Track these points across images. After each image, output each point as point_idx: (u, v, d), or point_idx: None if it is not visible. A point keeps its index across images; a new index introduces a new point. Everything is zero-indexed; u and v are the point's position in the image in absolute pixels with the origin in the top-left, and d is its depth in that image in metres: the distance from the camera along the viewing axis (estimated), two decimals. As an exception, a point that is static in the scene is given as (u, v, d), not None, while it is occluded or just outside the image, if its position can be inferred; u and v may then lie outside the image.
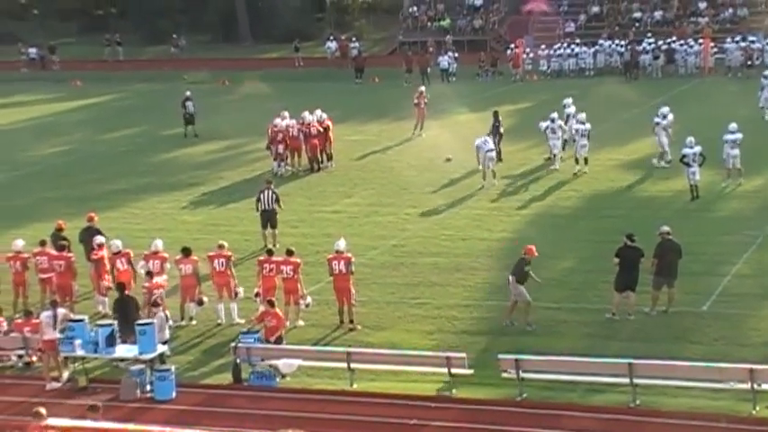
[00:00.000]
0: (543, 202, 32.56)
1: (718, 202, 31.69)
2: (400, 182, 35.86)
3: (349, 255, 23.24)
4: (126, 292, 22.16)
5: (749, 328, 22.09)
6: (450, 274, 26.02)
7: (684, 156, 31.98)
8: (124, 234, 28.11)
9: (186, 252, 23.83)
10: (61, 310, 21.02)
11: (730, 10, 67.35)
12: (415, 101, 43.85)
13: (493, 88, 57.78)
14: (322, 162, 38.13)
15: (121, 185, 37.32)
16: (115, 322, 20.72)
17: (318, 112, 38.53)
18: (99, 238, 25.18)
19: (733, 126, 33.33)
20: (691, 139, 32.23)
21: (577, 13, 70.76)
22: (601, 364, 19.17)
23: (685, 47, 60.44)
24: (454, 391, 19.48)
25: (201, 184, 36.88)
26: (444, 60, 61.75)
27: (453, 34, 70.87)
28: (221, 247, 24.03)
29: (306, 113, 38.26)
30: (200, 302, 23.56)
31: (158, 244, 24.19)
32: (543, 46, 63.70)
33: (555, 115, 36.58)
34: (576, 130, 35.44)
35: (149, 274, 22.96)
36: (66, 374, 20.80)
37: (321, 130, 37.78)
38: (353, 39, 71.06)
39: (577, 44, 63.29)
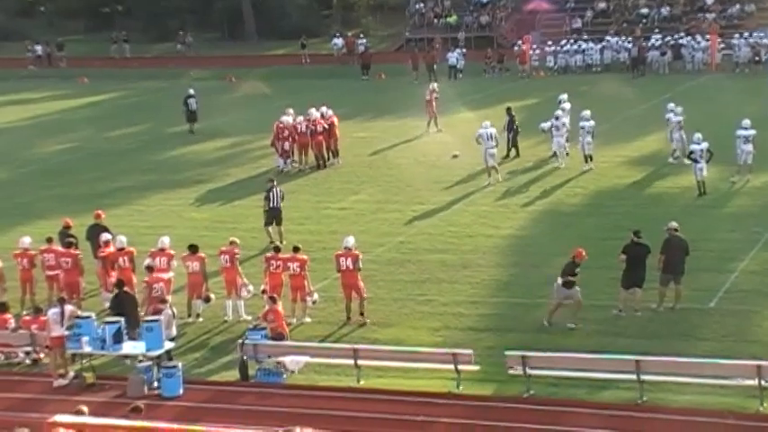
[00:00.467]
0: (550, 199, 32.54)
1: (725, 199, 31.64)
2: (407, 179, 35.84)
3: (357, 252, 23.25)
4: (125, 288, 22.16)
5: (756, 324, 22.07)
6: (457, 271, 26.02)
7: (692, 152, 31.95)
8: (131, 231, 28.15)
9: (193, 249, 23.86)
10: (68, 307, 21.05)
11: (737, 6, 67.19)
12: (428, 98, 43.86)
13: (500, 85, 57.75)
14: (328, 159, 38.13)
15: (128, 183, 37.35)
16: (122, 319, 20.72)
17: (324, 108, 38.56)
18: (105, 236, 25.22)
19: (746, 122, 33.24)
20: (698, 135, 32.19)
21: (584, 10, 70.64)
22: (608, 361, 19.16)
23: (693, 43, 60.35)
24: (461, 387, 19.47)
25: (208, 182, 36.90)
26: (453, 57, 61.69)
27: (459, 31, 70.81)
28: (232, 243, 24.09)
29: (312, 110, 38.28)
30: (207, 299, 23.60)
31: (165, 241, 24.22)
32: (550, 42, 63.63)
33: (559, 113, 36.55)
34: (582, 128, 35.39)
35: (149, 268, 23.04)
36: (72, 372, 20.83)
37: (326, 126, 37.79)
38: (361, 35, 70.99)
39: (584, 40, 63.22)
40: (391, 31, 78.71)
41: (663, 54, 60.01)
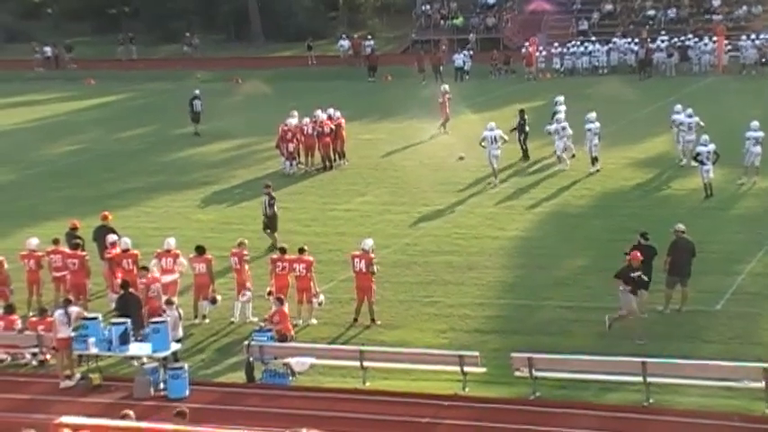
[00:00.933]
0: (556, 201, 32.52)
1: (731, 201, 31.60)
2: (413, 180, 35.85)
3: (372, 255, 23.21)
4: (130, 290, 22.19)
5: (763, 327, 22.03)
6: (463, 273, 26.01)
7: (698, 154, 31.92)
8: (138, 232, 28.21)
9: (200, 250, 23.88)
10: (74, 309, 21.05)
11: (744, 8, 67.14)
12: (440, 100, 43.93)
13: (506, 87, 57.75)
14: (334, 160, 38.15)
15: (134, 184, 37.40)
16: (128, 320, 20.74)
17: (331, 110, 38.59)
18: (112, 237, 25.26)
19: (755, 124, 33.18)
20: (705, 137, 32.18)
21: (591, 11, 70.64)
22: (614, 363, 19.14)
23: (700, 44, 60.31)
24: (467, 389, 19.46)
25: (214, 183, 36.94)
26: (459, 58, 61.67)
27: (466, 32, 70.83)
28: (240, 245, 24.13)
29: (318, 111, 38.31)
30: (214, 301, 23.61)
31: (171, 242, 24.24)
32: (556, 44, 63.61)
33: (561, 116, 36.54)
34: (589, 129, 35.36)
35: (145, 269, 23.10)
36: (78, 373, 20.85)
37: (333, 128, 37.81)
38: (369, 37, 71.02)
39: (591, 42, 63.19)
40: (397, 33, 78.76)
41: (669, 56, 59.98)
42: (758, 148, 32.79)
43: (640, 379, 18.60)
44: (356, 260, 23.08)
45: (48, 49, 76.30)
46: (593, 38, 64.33)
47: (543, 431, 17.95)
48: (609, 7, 70.64)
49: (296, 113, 38.40)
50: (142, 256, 24.61)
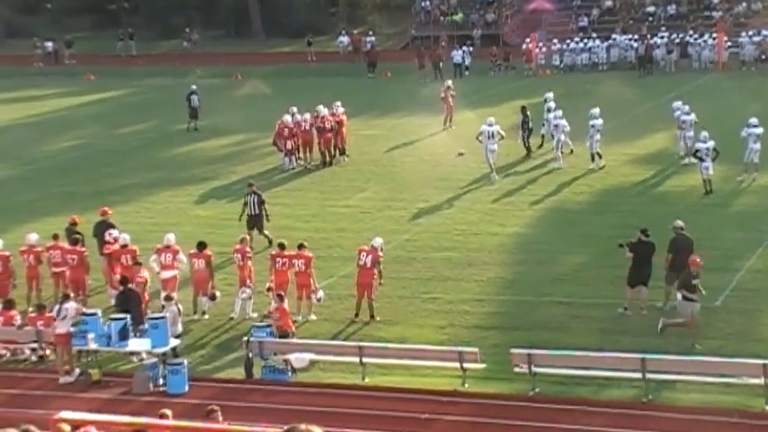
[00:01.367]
0: (556, 198, 32.52)
1: (731, 197, 31.61)
2: (413, 176, 35.84)
3: (380, 253, 23.18)
4: (129, 285, 22.20)
5: (762, 323, 22.07)
6: (463, 269, 26.01)
7: (698, 150, 31.90)
8: (137, 228, 28.20)
9: (201, 247, 23.89)
10: (72, 304, 21.07)
11: (744, 4, 67.08)
12: (443, 95, 43.97)
13: (505, 83, 57.70)
14: (334, 156, 38.12)
15: (134, 180, 37.39)
16: (127, 315, 20.75)
17: (338, 103, 38.65)
18: (112, 233, 25.25)
19: (754, 120, 33.14)
20: (704, 133, 32.15)
21: (590, 8, 70.56)
22: (613, 359, 19.16)
23: (700, 41, 60.28)
24: (466, 385, 19.47)
25: (214, 179, 36.92)
26: (458, 55, 61.60)
27: (466, 29, 70.78)
28: (243, 241, 24.14)
29: (320, 107, 38.30)
30: (213, 297, 23.62)
31: (170, 238, 24.25)
32: (556, 41, 63.56)
33: (559, 113, 36.52)
34: (593, 126, 35.29)
35: (138, 263, 23.20)
36: (77, 369, 20.86)
37: (335, 124, 37.81)
38: (370, 33, 70.92)
39: (591, 38, 63.14)
40: (397, 29, 78.67)
41: (669, 52, 59.93)
42: (757, 145, 32.77)
43: (640, 375, 18.62)
44: (363, 254, 23.08)
45: (49, 45, 76.21)
46: (593, 34, 64.27)
47: (543, 427, 17.97)
48: (609, 3, 70.56)
49: (294, 110, 38.36)
50: (141, 252, 24.61)
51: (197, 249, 23.84)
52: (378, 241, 23.38)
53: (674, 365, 18.82)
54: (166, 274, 23.55)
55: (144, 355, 20.88)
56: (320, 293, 23.28)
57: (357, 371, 20.16)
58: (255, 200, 28.19)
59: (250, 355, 20.52)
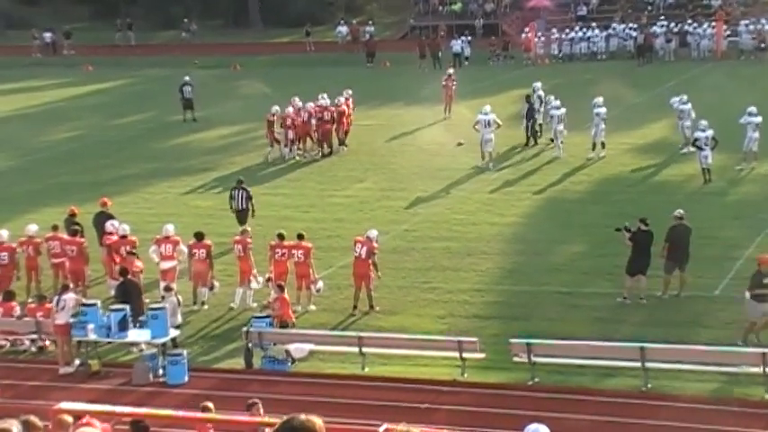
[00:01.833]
0: (554, 187, 32.51)
1: (730, 186, 31.60)
2: (412, 166, 35.82)
3: (375, 244, 23.18)
4: (129, 276, 22.20)
5: (761, 312, 22.02)
6: (462, 259, 26.02)
7: (696, 139, 31.89)
8: (136, 219, 28.20)
9: (199, 237, 23.89)
10: (72, 295, 21.08)
11: (743, -7, 67.03)
12: (444, 83, 43.98)
13: (504, 73, 57.63)
14: (332, 146, 38.07)
15: (133, 170, 37.37)
16: (127, 306, 20.76)
17: (348, 91, 38.86)
18: (111, 223, 25.25)
19: (753, 109, 33.10)
20: (703, 122, 32.13)
21: (589, -3, 70.45)
22: (612, 348, 19.18)
23: (698, 30, 60.21)
24: (465, 375, 19.49)
25: (213, 170, 36.90)
26: (457, 44, 61.52)
27: (465, 18, 70.66)
28: (244, 232, 24.14)
29: (324, 95, 38.31)
30: (212, 287, 23.62)
31: (170, 228, 24.25)
32: (554, 30, 63.47)
33: (558, 103, 36.48)
34: (598, 114, 35.24)
35: (131, 254, 23.20)
36: (77, 359, 20.88)
37: (336, 114, 37.81)
38: (370, 22, 70.81)
39: (589, 27, 63.04)
40: (396, 19, 78.56)
41: (668, 41, 59.86)
42: (756, 134, 32.75)
43: (639, 364, 18.64)
44: (358, 245, 23.08)
45: (47, 35, 76.09)
46: (593, 23, 64.19)
47: (542, 417, 17.93)
48: (608, -8, 70.47)
49: (297, 100, 38.35)
50: (141, 243, 24.61)
51: (196, 240, 23.84)
52: (373, 233, 23.35)
53: (673, 354, 18.83)
54: (166, 265, 23.56)
55: (143, 346, 20.89)
56: (320, 284, 23.29)
57: (357, 361, 20.18)
58: (243, 195, 28.07)
59: (250, 345, 20.53)
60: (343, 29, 71.86)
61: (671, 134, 36.98)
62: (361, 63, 63.04)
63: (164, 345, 20.30)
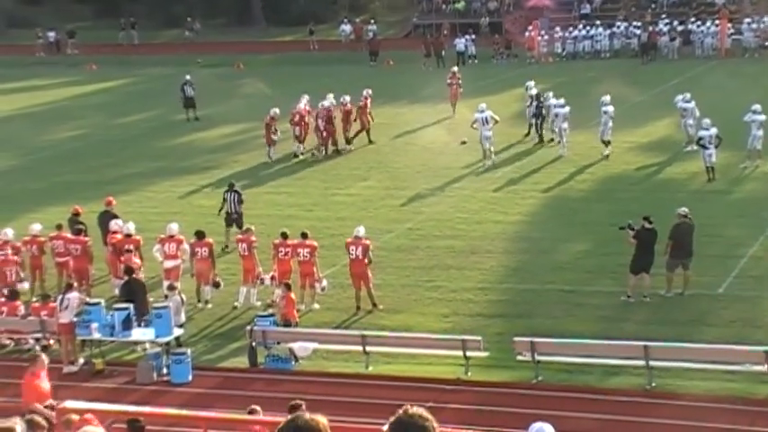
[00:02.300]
0: (558, 185, 32.48)
1: (734, 184, 31.57)
2: (415, 165, 35.81)
3: (367, 242, 23.18)
4: (134, 275, 22.21)
5: (765, 310, 22.04)
6: (466, 257, 26.01)
7: (701, 138, 31.85)
8: (140, 218, 28.19)
9: (200, 235, 23.89)
10: (76, 294, 21.09)
11: (747, -9, 66.91)
12: (449, 81, 44.01)
13: (507, 71, 57.58)
14: (338, 145, 38.07)
15: (136, 169, 37.38)
16: (131, 305, 20.77)
17: (369, 91, 39.04)
18: (116, 222, 25.27)
19: (757, 107, 33.07)
20: (707, 120, 32.10)
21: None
22: (616, 347, 19.17)
23: (702, 28, 60.16)
24: (469, 373, 19.49)
25: (216, 168, 36.90)
26: (461, 43, 61.48)
27: (468, 17, 70.62)
28: (247, 230, 24.15)
29: (330, 96, 38.34)
30: (217, 285, 23.65)
31: (173, 227, 24.26)
32: (558, 28, 63.41)
33: (562, 101, 36.44)
34: (606, 112, 35.19)
35: (129, 251, 23.19)
36: (81, 358, 20.90)
37: (343, 114, 37.90)
38: (372, 21, 70.78)
39: (593, 26, 62.98)
40: (399, 18, 78.52)
41: (672, 39, 59.80)
42: (760, 132, 32.70)
43: (643, 363, 18.63)
44: (352, 247, 23.02)
45: (51, 35, 76.12)
46: (596, 22, 64.12)
47: (546, 415, 17.91)
48: (611, -10, 70.39)
49: (307, 97, 38.43)
50: (144, 242, 24.63)
51: (197, 238, 23.83)
52: (360, 230, 23.30)
53: (677, 353, 18.81)
54: (169, 264, 23.57)
55: (147, 345, 20.90)
56: (324, 283, 23.28)
57: (360, 359, 20.18)
58: (235, 198, 27.88)
59: (253, 344, 20.53)
60: (347, 27, 71.83)
61: (675, 132, 36.94)
62: (365, 62, 63.02)
63: (168, 344, 20.31)
